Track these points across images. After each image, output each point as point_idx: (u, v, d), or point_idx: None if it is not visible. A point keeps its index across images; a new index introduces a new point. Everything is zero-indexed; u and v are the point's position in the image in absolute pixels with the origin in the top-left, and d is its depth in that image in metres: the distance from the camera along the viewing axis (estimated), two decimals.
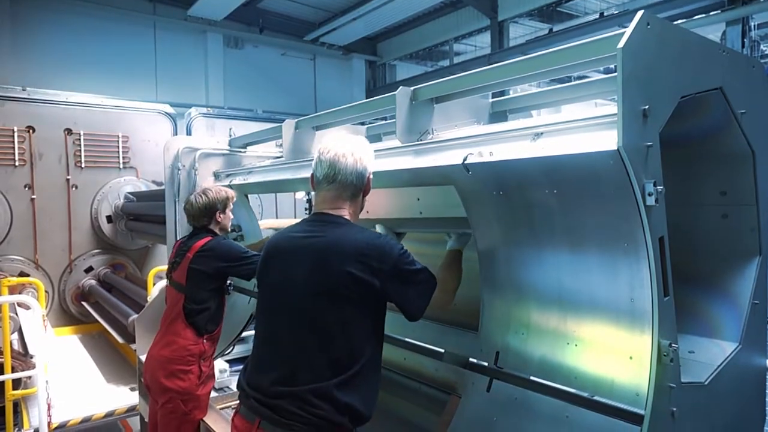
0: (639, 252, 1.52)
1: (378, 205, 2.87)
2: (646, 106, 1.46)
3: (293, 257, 1.86)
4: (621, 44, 1.40)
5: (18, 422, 4.25)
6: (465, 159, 1.83)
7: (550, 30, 11.66)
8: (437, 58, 14.82)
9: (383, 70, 15.41)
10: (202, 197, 3.11)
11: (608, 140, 1.44)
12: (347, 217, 1.90)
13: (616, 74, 1.44)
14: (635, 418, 1.59)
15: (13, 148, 6.32)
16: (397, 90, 2.25)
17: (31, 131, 6.46)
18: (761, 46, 9.14)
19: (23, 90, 6.53)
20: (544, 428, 1.83)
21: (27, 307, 5.00)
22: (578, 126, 1.62)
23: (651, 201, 1.46)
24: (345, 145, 1.92)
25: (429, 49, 14.04)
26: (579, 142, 1.55)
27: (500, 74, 2.00)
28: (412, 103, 2.26)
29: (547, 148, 1.61)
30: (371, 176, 1.95)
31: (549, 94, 2.49)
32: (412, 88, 2.28)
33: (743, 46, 8.10)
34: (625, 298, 1.60)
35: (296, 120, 3.14)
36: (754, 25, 8.33)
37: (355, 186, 1.91)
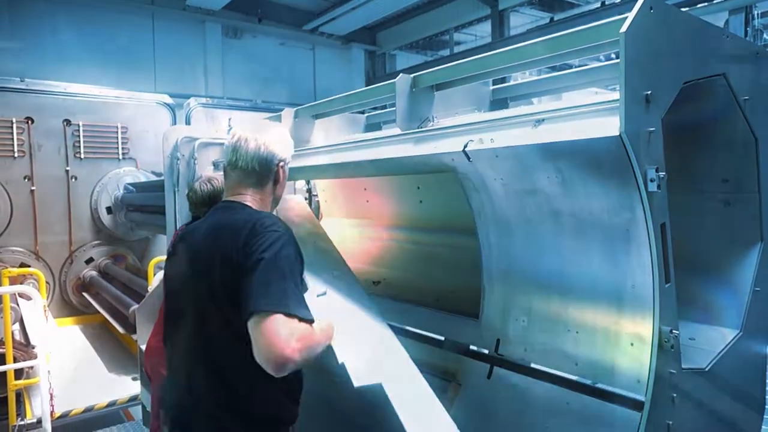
0: (640, 238, 1.51)
1: (378, 194, 2.86)
2: (649, 92, 1.45)
3: (183, 254, 1.73)
4: (624, 29, 1.39)
5: (21, 412, 4.27)
6: (465, 146, 1.81)
7: (551, 19, 11.58)
8: (437, 48, 14.72)
9: (383, 60, 15.33)
10: (206, 185, 3.08)
11: (610, 126, 1.43)
12: (248, 203, 1.72)
13: (617, 61, 1.43)
14: (636, 405, 1.60)
15: (12, 139, 6.30)
16: (397, 77, 2.24)
17: (30, 122, 6.44)
18: (764, 35, 9.06)
19: (21, 81, 6.50)
20: (545, 415, 1.84)
21: (28, 298, 5.00)
22: (580, 112, 1.61)
23: (653, 187, 1.45)
24: (251, 130, 1.78)
25: (429, 38, 13.95)
26: (581, 128, 1.54)
27: (501, 61, 1.98)
28: (412, 90, 2.25)
29: (548, 135, 1.60)
30: (284, 165, 1.78)
31: (550, 82, 2.47)
32: (412, 75, 2.26)
33: (746, 34, 8.03)
34: (626, 284, 1.60)
35: (295, 109, 3.13)
36: (758, 14, 8.25)
37: (259, 173, 1.74)
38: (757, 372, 2.13)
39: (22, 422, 4.10)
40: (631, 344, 1.62)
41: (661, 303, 1.52)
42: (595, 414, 1.71)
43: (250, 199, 1.74)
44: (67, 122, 6.65)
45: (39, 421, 4.03)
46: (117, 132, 6.94)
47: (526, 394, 1.89)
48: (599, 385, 1.73)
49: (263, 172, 1.75)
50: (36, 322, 4.68)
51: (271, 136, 1.77)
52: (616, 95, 1.44)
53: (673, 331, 1.53)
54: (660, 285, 1.51)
